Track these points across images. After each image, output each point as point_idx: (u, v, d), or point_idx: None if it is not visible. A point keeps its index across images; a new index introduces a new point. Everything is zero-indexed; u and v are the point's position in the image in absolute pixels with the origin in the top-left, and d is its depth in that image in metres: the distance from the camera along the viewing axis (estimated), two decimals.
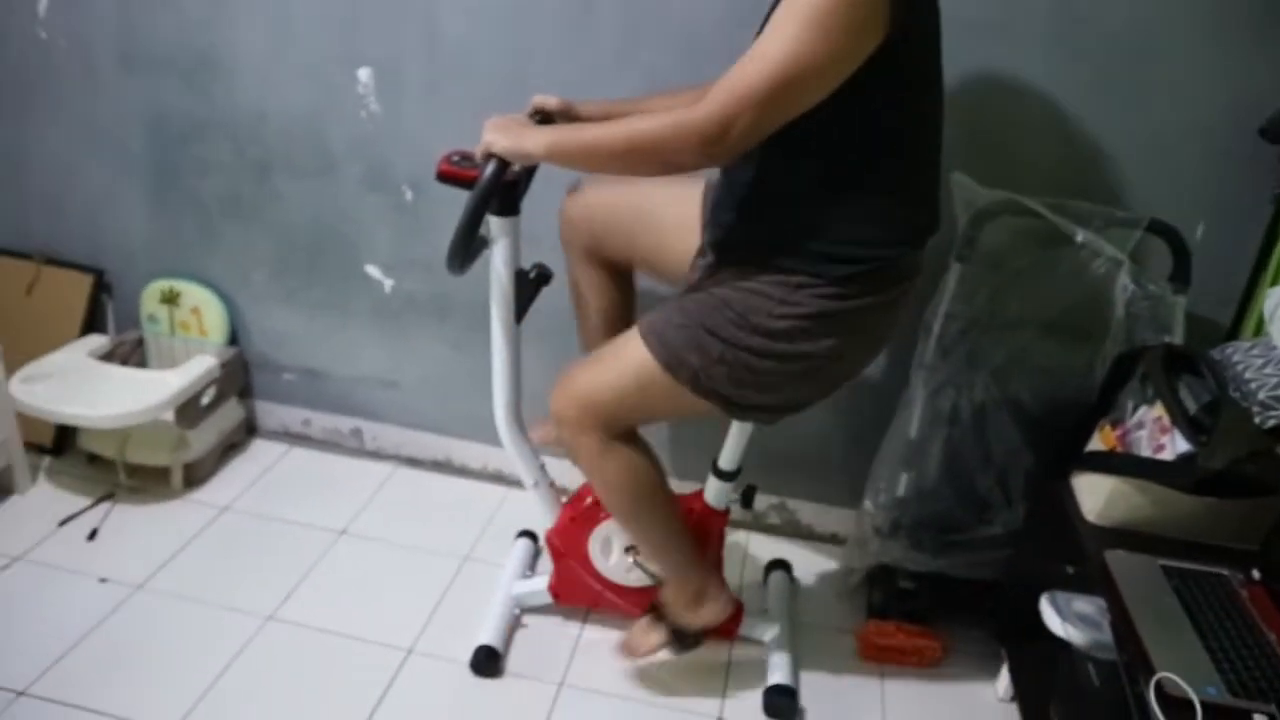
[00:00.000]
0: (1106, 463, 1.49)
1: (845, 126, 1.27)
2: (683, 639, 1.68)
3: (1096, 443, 1.56)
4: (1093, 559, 1.41)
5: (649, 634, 1.69)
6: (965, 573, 1.82)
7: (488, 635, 1.75)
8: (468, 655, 1.72)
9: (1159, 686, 1.14)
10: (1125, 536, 1.44)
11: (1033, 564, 1.71)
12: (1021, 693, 1.70)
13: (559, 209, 1.72)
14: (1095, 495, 1.48)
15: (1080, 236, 1.61)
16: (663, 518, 1.56)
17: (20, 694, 1.60)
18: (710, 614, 1.65)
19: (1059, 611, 1.57)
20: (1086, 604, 1.58)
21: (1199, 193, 1.75)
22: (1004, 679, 1.77)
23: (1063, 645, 1.55)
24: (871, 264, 1.34)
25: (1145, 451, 1.45)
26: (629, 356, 1.42)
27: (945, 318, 1.71)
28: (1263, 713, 1.11)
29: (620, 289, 1.73)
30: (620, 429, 1.47)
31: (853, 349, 1.41)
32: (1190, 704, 1.11)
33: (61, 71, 2.12)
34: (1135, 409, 1.53)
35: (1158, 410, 1.45)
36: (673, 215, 1.58)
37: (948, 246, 1.67)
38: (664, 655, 1.74)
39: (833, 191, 1.32)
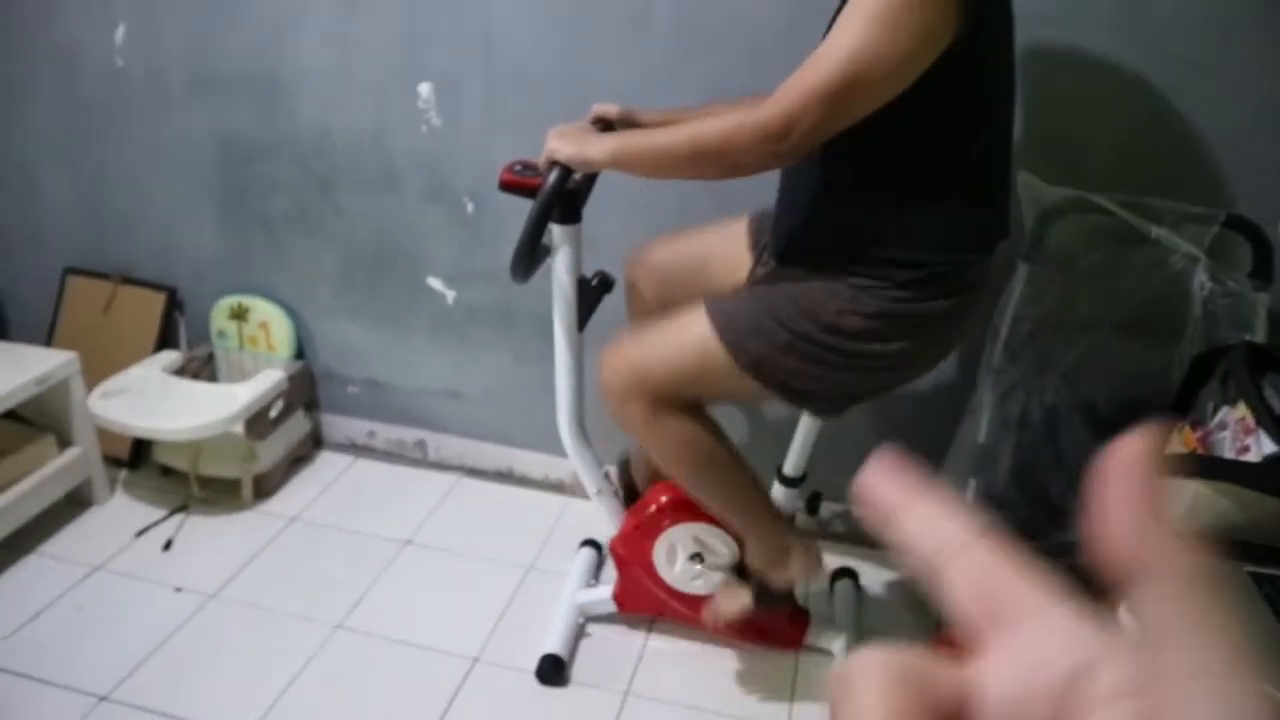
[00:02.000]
0: (1188, 465, 1.44)
1: (913, 127, 1.25)
2: (770, 598, 1.64)
3: (1176, 445, 1.51)
4: None
5: (734, 596, 1.66)
6: None
7: (553, 644, 1.75)
8: (533, 664, 1.73)
9: None
10: (1211, 543, 1.39)
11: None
12: None
13: (621, 273, 1.69)
14: (1177, 500, 1.43)
15: (1153, 233, 1.57)
16: (729, 480, 1.51)
17: (102, 699, 1.64)
18: (796, 570, 1.60)
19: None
20: None
21: (1279, 185, 1.69)
22: None
23: None
24: (940, 270, 1.31)
25: (1229, 453, 1.40)
26: (691, 332, 1.39)
27: (1013, 320, 1.67)
28: None
29: None
30: (672, 401, 1.43)
31: (920, 352, 1.39)
32: None
33: (136, 97, 2.20)
34: (1216, 410, 1.47)
35: (1241, 411, 1.40)
36: (725, 255, 1.58)
37: (1015, 247, 1.63)
38: (733, 655, 1.71)
39: (899, 195, 1.30)
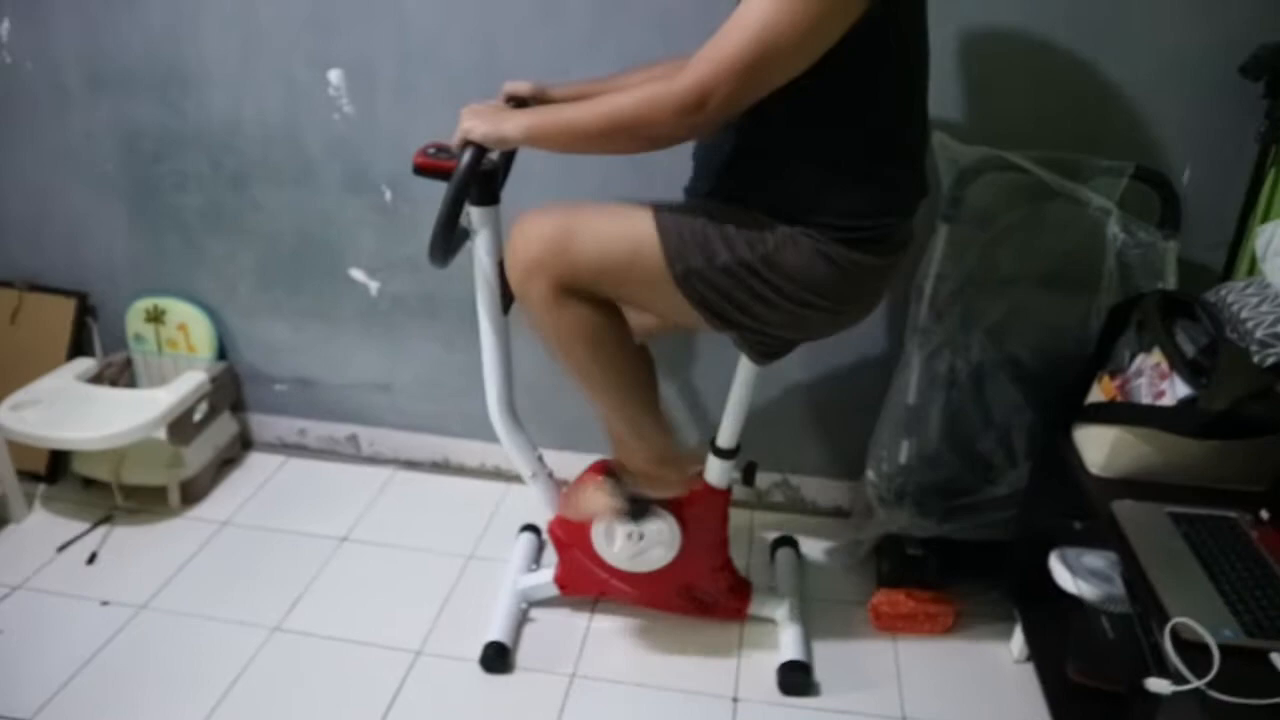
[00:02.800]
0: (1107, 413, 1.48)
1: (829, 94, 1.24)
2: (635, 508, 1.61)
3: (1096, 394, 1.54)
4: (1100, 511, 1.39)
5: (597, 495, 1.61)
6: (973, 536, 1.80)
7: (496, 631, 1.73)
8: (477, 653, 1.71)
9: (1174, 632, 1.13)
10: (1131, 486, 1.43)
11: (1040, 522, 1.70)
12: (1036, 652, 1.69)
13: None
14: (1098, 447, 1.46)
15: (1066, 188, 1.60)
16: (621, 372, 1.44)
17: None
18: (668, 484, 1.58)
19: (1069, 568, 1.56)
20: (1096, 559, 1.57)
21: (1183, 136, 1.73)
22: (1018, 639, 1.75)
23: (1075, 601, 1.54)
24: (866, 231, 1.32)
25: (1145, 399, 1.43)
26: (632, 225, 1.34)
27: (936, 279, 1.69)
28: (1279, 651, 1.09)
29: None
30: (580, 286, 1.35)
31: (844, 305, 1.38)
32: (1207, 648, 1.10)
33: (29, 95, 2.10)
34: (1133, 358, 1.51)
35: (1156, 357, 1.44)
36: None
37: (933, 207, 1.65)
38: (677, 629, 1.71)
39: (819, 164, 1.30)
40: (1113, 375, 1.53)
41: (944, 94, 1.73)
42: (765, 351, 1.55)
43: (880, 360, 1.92)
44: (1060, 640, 1.60)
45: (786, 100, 1.20)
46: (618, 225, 1.36)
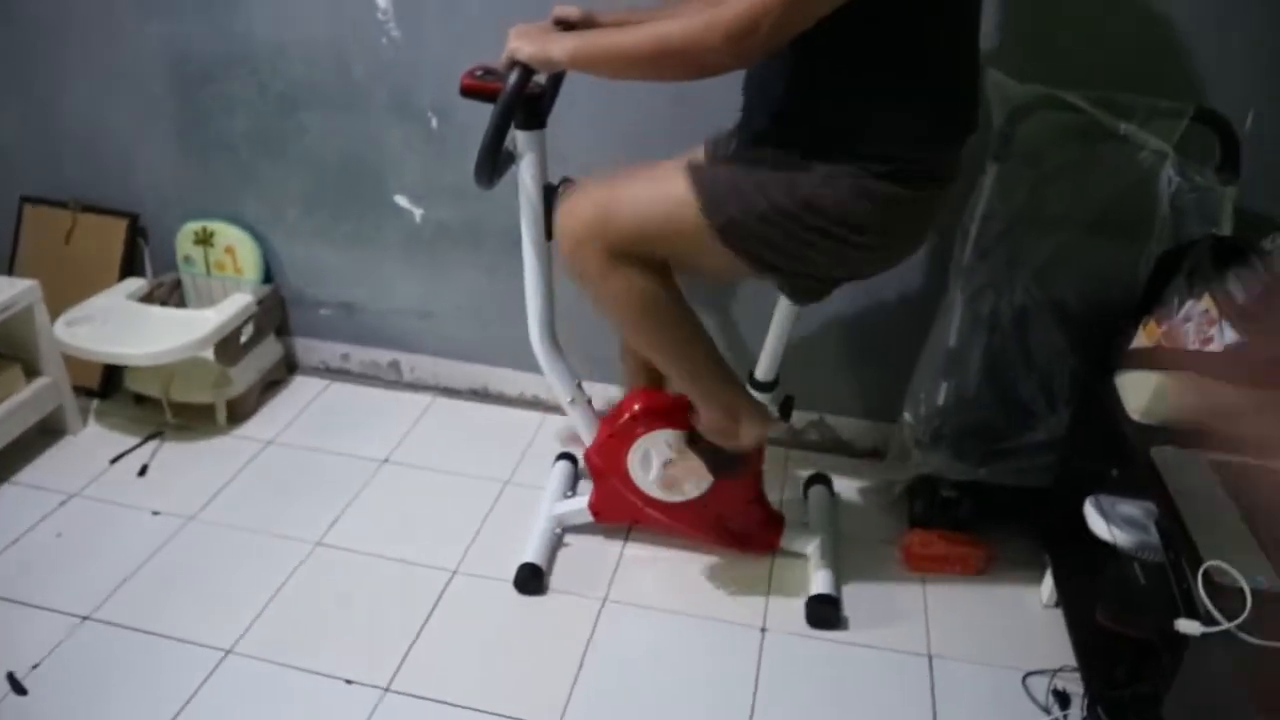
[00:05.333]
0: (1151, 358, 1.46)
1: (881, 22, 1.22)
2: (720, 463, 1.65)
3: (1141, 340, 1.52)
4: (1139, 456, 1.38)
5: (690, 470, 1.66)
6: (1009, 480, 1.80)
7: (530, 554, 1.77)
8: (511, 574, 1.75)
9: (1207, 576, 1.12)
10: (1172, 433, 1.41)
11: (1077, 468, 1.69)
12: (1066, 598, 1.69)
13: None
14: (1140, 392, 1.45)
15: (1122, 129, 1.56)
16: (680, 338, 1.47)
17: (85, 619, 1.65)
18: (747, 435, 1.59)
19: (1104, 515, 1.55)
20: (1132, 507, 1.56)
21: (1248, 77, 1.67)
22: (1048, 585, 1.76)
23: (1108, 549, 1.53)
24: (911, 162, 1.30)
25: (1191, 345, 1.41)
26: (665, 185, 1.36)
27: (982, 219, 1.66)
28: None
29: None
30: (629, 252, 1.38)
31: (887, 242, 1.38)
32: (1239, 593, 1.09)
33: (81, 19, 2.12)
34: (1181, 304, 1.48)
35: (1205, 303, 1.41)
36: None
37: (984, 146, 1.62)
38: (709, 560, 1.75)
39: (868, 91, 1.28)
40: (1159, 321, 1.50)
41: (999, 29, 1.68)
42: (808, 292, 1.54)
43: (922, 301, 1.90)
44: (1091, 587, 1.60)
45: (835, 30, 1.18)
46: (653, 188, 1.38)
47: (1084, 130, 1.59)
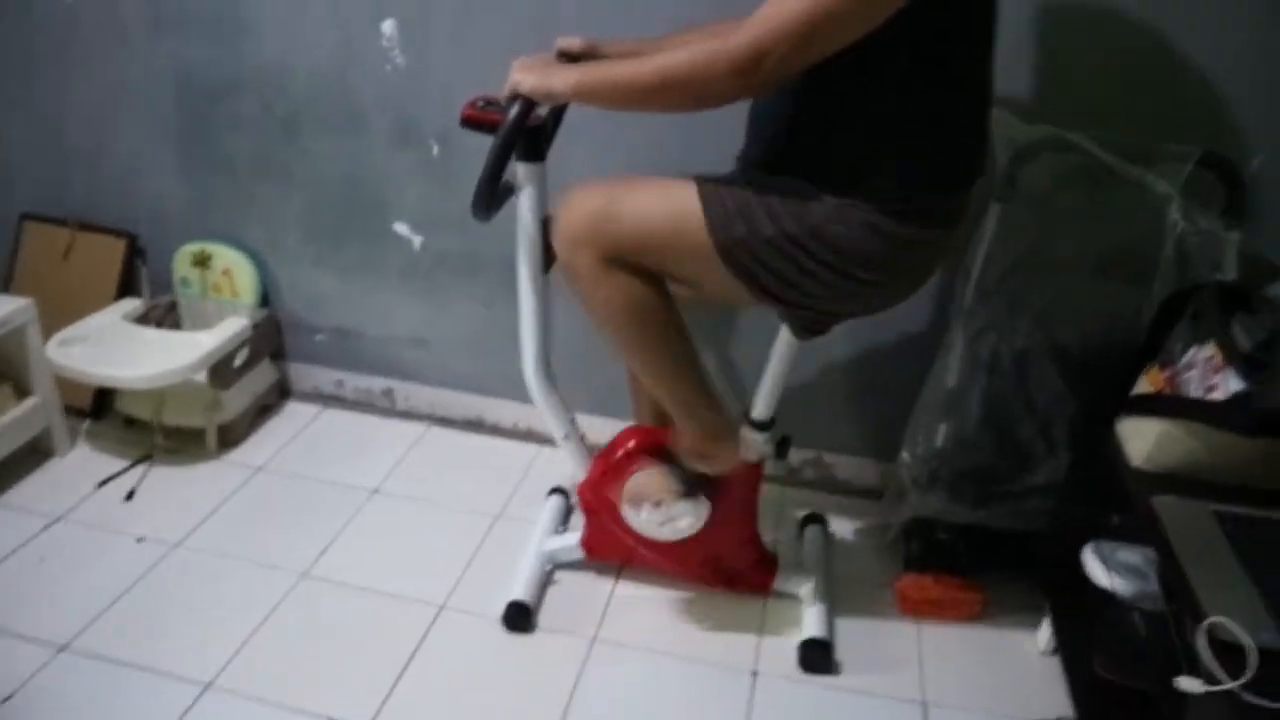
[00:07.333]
0: (1154, 405, 1.44)
1: (888, 61, 1.21)
2: (693, 487, 1.61)
3: (1144, 386, 1.50)
4: (1140, 505, 1.35)
5: (657, 479, 1.62)
6: (1006, 524, 1.77)
7: (519, 591, 1.74)
8: (500, 611, 1.71)
9: (1210, 631, 1.09)
10: (1174, 482, 1.38)
11: (1076, 514, 1.66)
12: (1064, 645, 1.66)
13: None
14: (1143, 440, 1.42)
15: (1128, 171, 1.54)
16: (669, 350, 1.45)
17: (62, 649, 1.62)
18: (723, 461, 1.58)
19: (1104, 561, 1.52)
20: (1132, 554, 1.53)
21: (1255, 122, 1.66)
22: (1045, 631, 1.72)
23: (1107, 597, 1.50)
24: (920, 203, 1.29)
25: (1196, 393, 1.38)
26: (674, 196, 1.34)
27: (985, 260, 1.65)
28: None
29: None
30: (627, 259, 1.35)
31: (891, 280, 1.36)
32: (1242, 650, 1.06)
33: (90, 34, 2.13)
34: (1185, 350, 1.46)
35: (1209, 350, 1.39)
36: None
37: (988, 186, 1.61)
38: (701, 600, 1.71)
39: (872, 130, 1.27)
40: (1162, 367, 1.48)
41: (1008, 68, 1.67)
42: (808, 326, 1.52)
43: (923, 341, 1.89)
44: (1089, 635, 1.57)
45: (844, 66, 1.17)
46: (662, 197, 1.35)
47: (1089, 172, 1.58)
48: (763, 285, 1.35)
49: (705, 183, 1.35)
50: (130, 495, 2.01)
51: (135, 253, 2.33)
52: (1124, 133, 1.56)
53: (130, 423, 2.23)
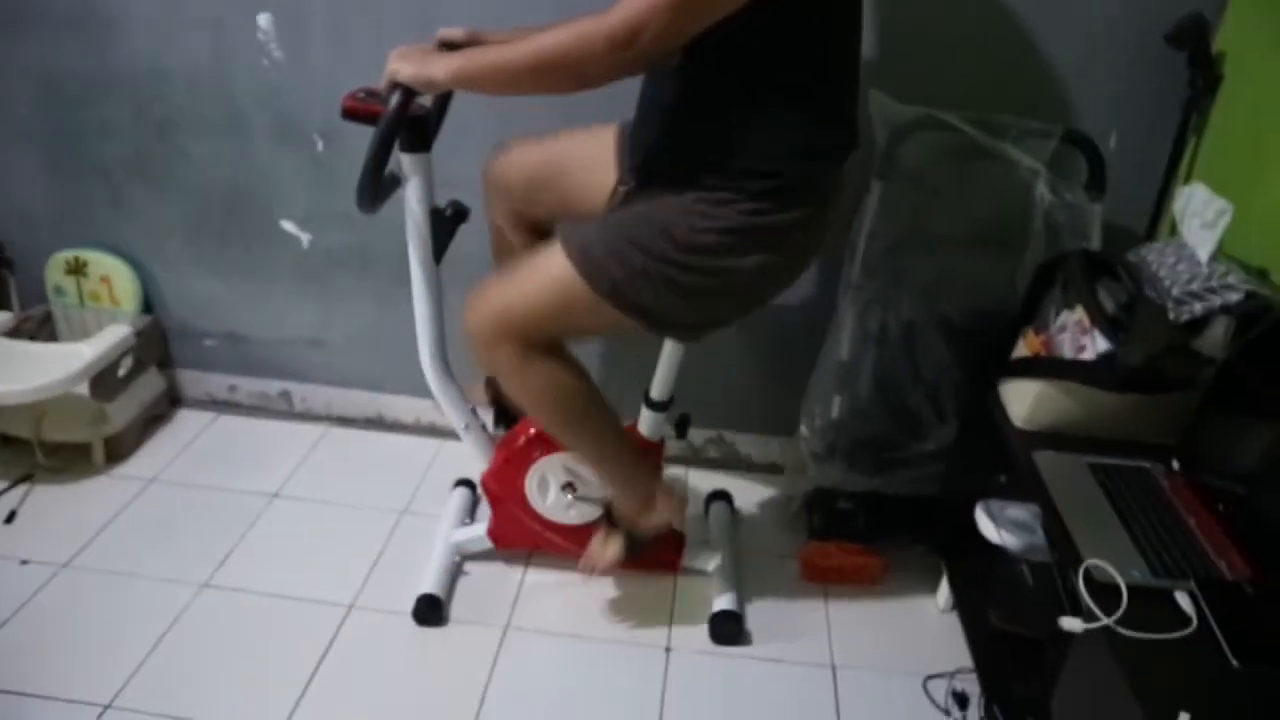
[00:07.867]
0: (1031, 367, 1.52)
1: (764, 38, 1.24)
2: (639, 545, 1.67)
3: (1021, 350, 1.58)
4: (1022, 462, 1.43)
5: (606, 546, 1.67)
6: (902, 490, 1.84)
7: (429, 584, 1.73)
8: (410, 606, 1.70)
9: (1087, 573, 1.16)
10: (1052, 438, 1.47)
11: (966, 476, 1.74)
12: (961, 601, 1.74)
13: (481, 172, 1.66)
14: (1022, 400, 1.50)
15: (997, 148, 1.62)
16: (596, 428, 1.52)
17: None
18: (661, 516, 1.64)
19: (993, 519, 1.60)
20: (1020, 510, 1.62)
21: (1111, 101, 1.77)
22: (944, 590, 1.80)
23: (998, 552, 1.58)
24: (792, 180, 1.32)
25: (1068, 354, 1.47)
26: (548, 267, 1.38)
27: (869, 236, 1.71)
28: (1182, 590, 1.14)
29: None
30: (539, 342, 1.41)
31: (775, 266, 1.40)
32: (1117, 589, 1.14)
33: None
34: (1057, 315, 1.55)
35: (1078, 313, 1.48)
36: (590, 159, 1.55)
37: (869, 165, 1.67)
38: (612, 583, 1.73)
39: (752, 106, 1.30)
40: (1037, 331, 1.56)
41: (880, 52, 1.74)
42: (699, 335, 1.55)
43: (814, 317, 1.94)
44: (984, 590, 1.65)
45: (719, 41, 1.20)
46: (537, 274, 1.41)
47: (962, 149, 1.65)
48: (653, 315, 1.39)
49: (569, 237, 1.38)
50: (11, 517, 1.92)
51: (2, 263, 2.22)
52: (993, 113, 1.64)
53: (7, 441, 2.11)
